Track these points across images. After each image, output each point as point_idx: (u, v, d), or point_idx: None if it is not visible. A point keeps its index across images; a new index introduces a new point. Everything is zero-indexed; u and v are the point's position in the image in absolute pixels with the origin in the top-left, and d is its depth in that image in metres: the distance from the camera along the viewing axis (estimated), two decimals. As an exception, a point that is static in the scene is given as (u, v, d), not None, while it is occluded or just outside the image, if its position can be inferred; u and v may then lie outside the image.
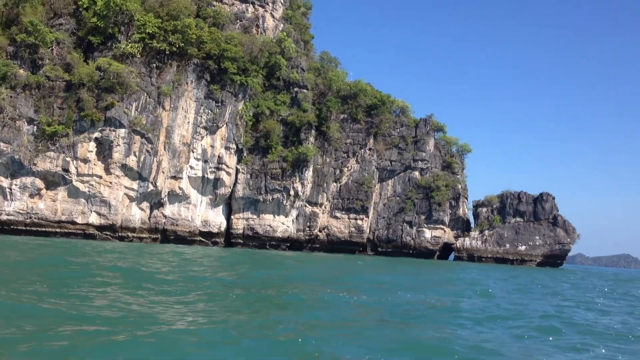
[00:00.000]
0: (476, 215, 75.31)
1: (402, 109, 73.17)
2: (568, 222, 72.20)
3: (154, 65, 56.90)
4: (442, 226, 69.87)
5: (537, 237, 71.52)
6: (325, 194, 67.52)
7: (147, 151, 55.71)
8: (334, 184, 68.86)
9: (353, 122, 69.77)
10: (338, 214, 68.54)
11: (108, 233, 55.24)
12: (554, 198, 73.46)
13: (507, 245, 71.77)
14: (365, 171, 69.46)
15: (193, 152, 59.77)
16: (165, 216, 59.27)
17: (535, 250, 71.46)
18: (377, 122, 70.27)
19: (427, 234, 69.42)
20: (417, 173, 71.42)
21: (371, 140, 70.44)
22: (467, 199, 77.49)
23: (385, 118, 70.80)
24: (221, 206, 62.86)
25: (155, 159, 56.44)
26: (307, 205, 66.74)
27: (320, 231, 68.50)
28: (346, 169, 69.31)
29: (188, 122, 59.38)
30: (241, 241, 62.67)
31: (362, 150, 69.96)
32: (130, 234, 56.39)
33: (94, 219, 54.44)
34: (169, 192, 58.73)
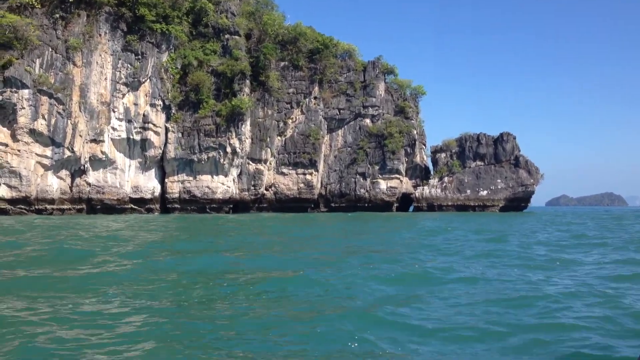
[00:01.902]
0: (435, 162, 70.66)
1: (348, 53, 67.49)
2: (530, 162, 67.84)
3: (58, 15, 50.53)
4: (397, 176, 65.20)
5: (498, 181, 67.18)
6: (269, 149, 62.33)
7: (59, 113, 49.81)
8: (278, 138, 63.60)
9: (295, 69, 64.11)
10: (285, 170, 63.51)
11: (23, 207, 49.70)
12: (514, 138, 68.86)
13: (468, 191, 67.37)
14: (312, 122, 64.20)
15: (114, 111, 53.98)
16: (89, 184, 53.78)
17: (497, 195, 67.18)
18: (321, 68, 64.67)
19: (382, 185, 64.77)
20: (368, 120, 66.32)
21: (316, 88, 64.95)
22: (425, 145, 72.84)
23: (330, 63, 65.18)
24: (153, 169, 57.45)
25: (69, 121, 50.59)
26: (250, 162, 61.61)
27: (266, 190, 63.56)
28: (290, 120, 63.96)
29: (105, 79, 53.42)
30: (178, 206, 57.56)
31: (307, 100, 64.52)
32: (48, 206, 50.89)
33: (4, 192, 48.73)
34: (90, 157, 53.13)
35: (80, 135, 51.73)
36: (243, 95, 57.45)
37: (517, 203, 67.71)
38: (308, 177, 63.20)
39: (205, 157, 56.75)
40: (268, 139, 62.10)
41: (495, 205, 66.80)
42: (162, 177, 58.15)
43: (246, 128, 58.24)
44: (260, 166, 62.08)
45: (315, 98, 64.87)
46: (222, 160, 57.18)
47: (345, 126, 66.28)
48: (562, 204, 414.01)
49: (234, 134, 56.88)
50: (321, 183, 65.47)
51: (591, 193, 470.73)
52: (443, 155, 69.91)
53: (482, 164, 68.52)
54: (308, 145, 63.22)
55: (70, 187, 53.21)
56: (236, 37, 59.20)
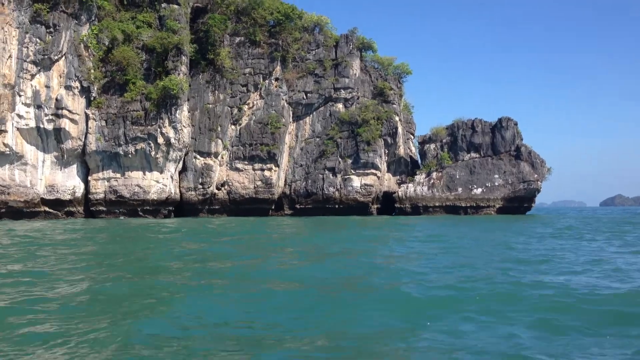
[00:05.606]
0: (423, 155, 59.99)
1: (317, 25, 57.19)
2: (535, 153, 56.64)
3: (-58, -21, 41.55)
4: (374, 171, 54.83)
5: (496, 176, 56.22)
6: (220, 141, 52.65)
7: (-57, 97, 40.93)
8: (232, 127, 53.81)
9: (252, 45, 54.14)
10: (240, 165, 53.71)
11: None
12: (516, 124, 57.67)
13: (460, 189, 56.55)
14: (272, 108, 54.23)
15: (20, 95, 44.81)
16: (-10, 183, 44.82)
17: (493, 193, 56.19)
18: (283, 43, 54.62)
19: (356, 182, 54.49)
20: (340, 105, 56.06)
21: (278, 68, 54.91)
22: (413, 135, 62.35)
23: (295, 38, 55.11)
24: (74, 165, 48.19)
25: (-42, 107, 41.69)
26: (198, 156, 52.13)
27: (218, 189, 53.89)
28: (247, 106, 54.08)
29: (10, 57, 44.28)
30: (104, 208, 48.28)
31: (267, 82, 54.51)
32: None
33: None
34: (-10, 151, 44.20)
35: (-25, 125, 42.79)
36: (179, 74, 47.77)
37: (518, 203, 56.60)
38: (267, 173, 53.32)
39: (133, 149, 47.32)
40: (219, 129, 52.46)
41: (490, 205, 55.87)
42: (86, 175, 48.97)
43: (182, 114, 48.57)
44: (209, 160, 52.50)
45: (276, 79, 54.85)
46: (153, 153, 47.71)
47: (314, 112, 56.16)
48: (617, 204, 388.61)
49: (166, 121, 47.33)
50: (285, 181, 55.57)
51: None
52: (432, 146, 59.16)
53: (477, 156, 57.60)
54: (267, 136, 53.34)
55: (-33, 187, 44.40)
56: (173, 5, 49.49)
